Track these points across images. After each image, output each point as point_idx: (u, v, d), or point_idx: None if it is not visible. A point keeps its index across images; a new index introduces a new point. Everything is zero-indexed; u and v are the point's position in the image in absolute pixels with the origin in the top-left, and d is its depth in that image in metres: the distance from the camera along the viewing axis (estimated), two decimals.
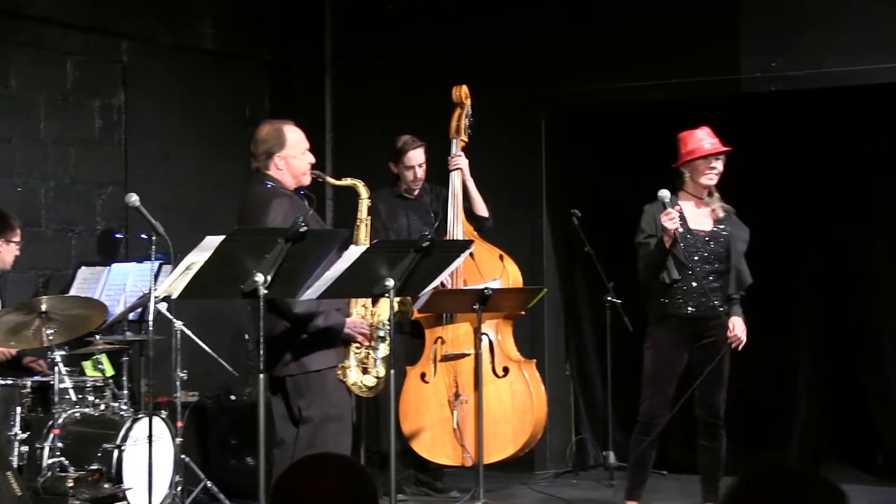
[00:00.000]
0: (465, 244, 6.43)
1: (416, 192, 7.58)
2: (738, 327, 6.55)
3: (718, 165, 6.59)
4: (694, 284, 6.51)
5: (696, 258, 6.53)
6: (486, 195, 7.53)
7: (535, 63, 8.61)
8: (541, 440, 7.55)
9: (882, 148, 8.19)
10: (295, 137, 5.97)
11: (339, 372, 5.91)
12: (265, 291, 5.24)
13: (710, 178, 6.58)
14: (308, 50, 9.28)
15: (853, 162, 8.26)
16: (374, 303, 6.07)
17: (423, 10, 8.90)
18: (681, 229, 6.42)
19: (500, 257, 7.29)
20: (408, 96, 8.75)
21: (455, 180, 7.40)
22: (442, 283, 6.89)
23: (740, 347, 6.57)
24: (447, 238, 7.26)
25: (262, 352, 5.29)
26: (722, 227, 6.63)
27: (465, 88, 7.48)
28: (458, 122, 7.46)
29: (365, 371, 6.00)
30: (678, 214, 6.42)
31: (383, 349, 6.05)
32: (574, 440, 8.85)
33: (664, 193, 6.45)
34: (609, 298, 8.02)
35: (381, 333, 6.06)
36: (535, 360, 7.41)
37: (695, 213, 6.62)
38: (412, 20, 8.93)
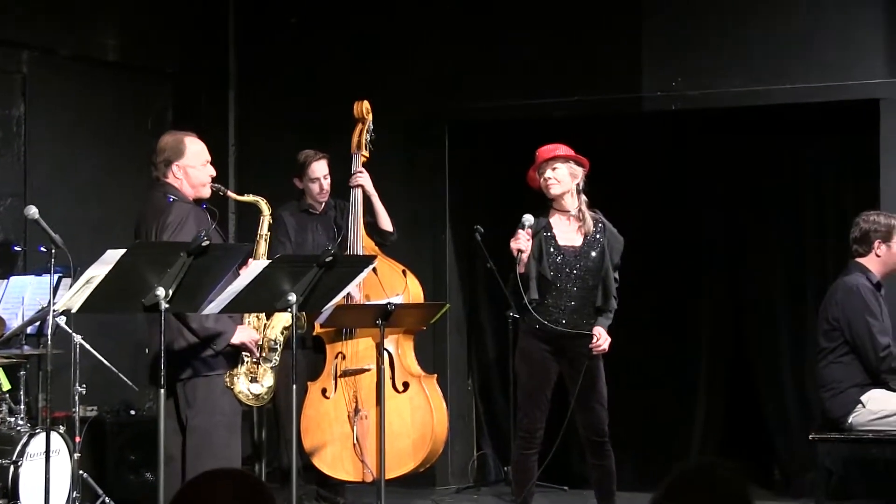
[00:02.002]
0: (368, 259, 6.44)
1: (321, 207, 7.57)
2: (601, 337, 6.60)
3: (553, 175, 6.59)
4: (566, 301, 6.57)
5: (566, 274, 6.58)
6: (388, 211, 7.53)
7: (438, 78, 8.66)
8: (442, 455, 7.56)
9: (773, 161, 8.36)
10: (195, 148, 5.99)
11: (227, 379, 5.90)
12: (167, 305, 5.22)
13: (548, 191, 6.62)
14: (211, 63, 9.23)
15: (749, 178, 8.42)
16: (269, 315, 6.08)
17: (327, 25, 8.91)
18: (524, 250, 6.46)
19: (403, 272, 7.29)
20: (311, 110, 8.75)
21: (357, 195, 7.40)
22: (349, 296, 6.90)
23: (599, 352, 6.60)
24: (348, 253, 7.26)
25: (163, 367, 5.28)
26: (593, 241, 6.66)
27: (366, 104, 7.47)
28: (360, 137, 7.46)
29: (253, 380, 5.98)
30: (526, 236, 6.46)
31: (274, 359, 6.05)
32: (476, 455, 8.88)
33: (527, 217, 6.51)
34: (511, 314, 8.03)
35: (273, 345, 6.06)
36: (436, 375, 7.42)
37: (564, 229, 6.65)
38: (316, 34, 8.94)
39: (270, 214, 6.28)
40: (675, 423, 8.53)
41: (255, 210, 6.32)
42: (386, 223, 7.50)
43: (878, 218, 6.80)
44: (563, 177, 6.62)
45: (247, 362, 5.95)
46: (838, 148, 8.22)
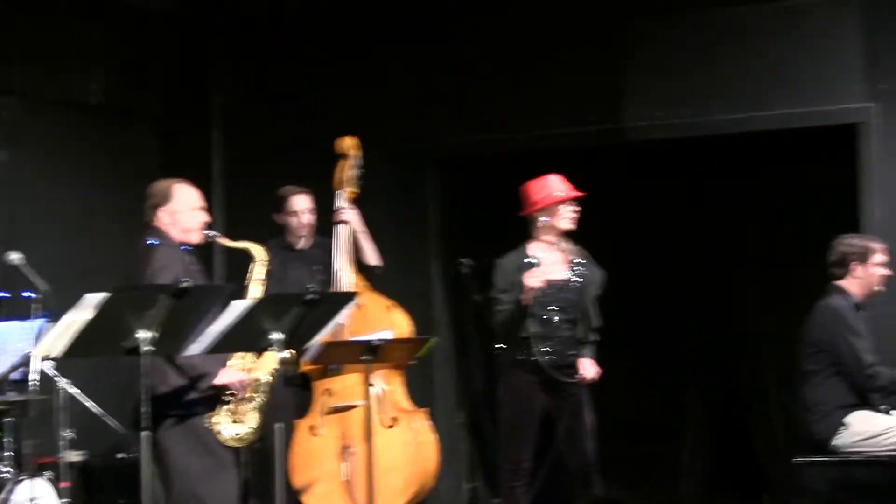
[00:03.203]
0: (349, 296, 6.45)
1: (303, 243, 7.58)
2: (588, 368, 6.68)
3: (575, 210, 6.79)
4: (551, 333, 6.63)
5: (551, 307, 6.66)
6: (375, 245, 7.56)
7: (423, 113, 8.68)
8: (433, 490, 7.54)
9: (755, 192, 8.41)
10: (184, 195, 6.06)
11: (208, 421, 5.90)
12: (148, 348, 5.24)
13: (567, 223, 6.74)
14: (195, 103, 9.26)
15: (731, 205, 8.47)
16: (258, 356, 6.08)
17: (311, 62, 8.94)
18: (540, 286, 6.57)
19: (389, 308, 7.31)
20: (297, 148, 8.77)
21: (341, 232, 7.42)
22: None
23: (585, 383, 6.72)
24: (334, 289, 7.27)
25: (146, 409, 5.30)
26: (576, 272, 6.75)
27: (350, 140, 7.51)
28: (344, 173, 7.49)
29: (236, 421, 5.99)
30: (543, 274, 6.56)
31: (258, 400, 6.05)
32: (466, 489, 8.87)
33: (536, 255, 6.61)
34: (499, 346, 8.05)
35: (259, 385, 6.06)
36: (425, 410, 7.44)
37: (549, 260, 6.74)
38: (300, 72, 8.96)
39: (269, 261, 6.31)
40: (663, 451, 8.54)
41: (246, 255, 6.34)
42: (372, 258, 7.52)
43: (853, 241, 6.87)
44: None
45: (230, 403, 5.96)
46: (819, 173, 8.25)
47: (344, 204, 7.45)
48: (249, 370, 6.07)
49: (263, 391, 6.07)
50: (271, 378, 6.08)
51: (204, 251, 6.24)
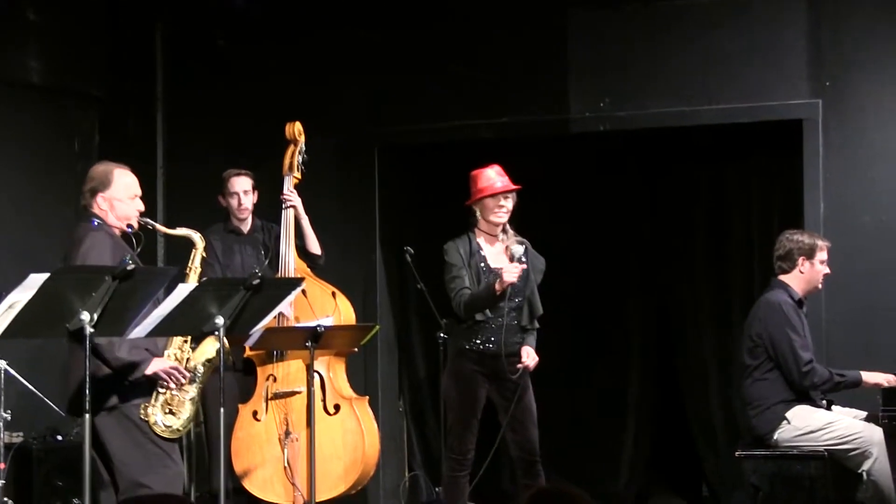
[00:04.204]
0: (295, 281, 6.42)
1: (248, 227, 7.55)
2: (529, 356, 6.70)
3: (508, 204, 6.80)
4: (498, 321, 6.65)
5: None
6: (319, 232, 7.54)
7: (367, 101, 8.66)
8: (374, 477, 7.55)
9: (700, 181, 8.48)
10: (124, 181, 5.95)
11: (142, 411, 5.82)
12: (91, 330, 5.18)
13: (500, 216, 6.78)
14: (138, 86, 9.16)
15: (675, 198, 8.52)
16: (194, 347, 6.01)
17: (255, 48, 8.88)
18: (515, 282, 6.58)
19: (333, 294, 7.29)
20: (240, 133, 8.71)
21: (288, 217, 7.39)
22: (282, 315, 6.89)
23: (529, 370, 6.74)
24: (280, 275, 7.25)
25: (87, 391, 5.24)
26: (518, 261, 6.78)
27: (298, 125, 7.48)
28: (291, 159, 7.45)
29: (170, 412, 5.90)
30: (521, 270, 6.54)
31: (193, 391, 5.97)
32: (407, 477, 8.87)
33: (517, 249, 6.62)
34: (442, 335, 8.04)
35: (193, 376, 5.98)
36: (367, 397, 7.42)
37: (492, 252, 6.79)
38: (244, 57, 8.90)
39: (204, 249, 6.23)
40: (604, 442, 8.59)
41: (185, 241, 6.27)
42: (314, 246, 7.50)
43: (801, 237, 6.91)
44: (511, 207, 6.72)
45: (165, 393, 5.88)
46: (763, 168, 8.32)
47: (291, 189, 7.42)
48: (187, 360, 5.99)
49: (199, 382, 6.00)
50: (203, 368, 6.00)
51: (146, 237, 6.13)
